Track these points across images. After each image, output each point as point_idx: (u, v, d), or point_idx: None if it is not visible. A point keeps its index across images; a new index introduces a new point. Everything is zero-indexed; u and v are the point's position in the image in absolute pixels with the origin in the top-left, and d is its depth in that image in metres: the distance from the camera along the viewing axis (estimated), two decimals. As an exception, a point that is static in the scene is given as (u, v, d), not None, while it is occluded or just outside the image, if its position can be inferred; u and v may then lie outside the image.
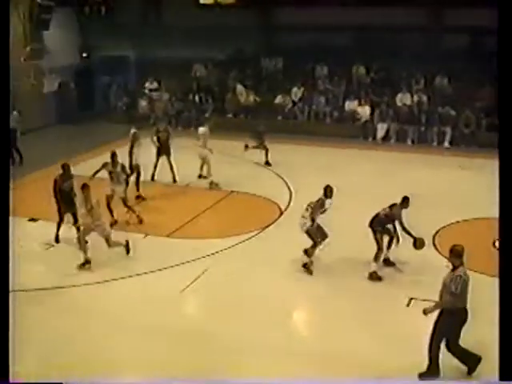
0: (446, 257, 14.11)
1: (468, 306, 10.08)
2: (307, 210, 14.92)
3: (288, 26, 32.87)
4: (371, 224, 14.67)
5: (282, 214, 18.71)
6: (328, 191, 14.76)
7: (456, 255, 10.08)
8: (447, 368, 10.60)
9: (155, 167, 21.45)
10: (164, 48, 33.21)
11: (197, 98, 32.28)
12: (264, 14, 34.80)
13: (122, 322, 12.61)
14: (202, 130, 21.54)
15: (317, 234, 14.77)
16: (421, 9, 31.03)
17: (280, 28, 34.34)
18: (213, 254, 15.67)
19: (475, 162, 22.40)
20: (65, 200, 16.37)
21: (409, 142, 27.85)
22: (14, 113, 24.42)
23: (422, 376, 10.54)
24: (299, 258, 15.21)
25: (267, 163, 23.40)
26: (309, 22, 31.34)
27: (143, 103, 32.51)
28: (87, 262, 15.02)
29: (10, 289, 12.82)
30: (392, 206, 14.58)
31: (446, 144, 27.11)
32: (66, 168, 16.61)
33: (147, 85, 33.57)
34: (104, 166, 17.55)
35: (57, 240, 16.57)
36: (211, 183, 21.12)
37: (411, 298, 13.09)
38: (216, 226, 17.73)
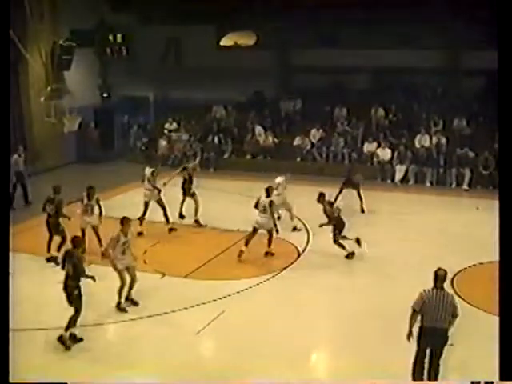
0: (464, 300, 14.09)
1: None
2: (264, 210, 17.95)
3: (307, 68, 33.09)
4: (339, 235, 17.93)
5: (299, 255, 18.64)
6: (270, 190, 18.38)
7: (436, 278, 11.03)
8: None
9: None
10: (184, 89, 33.54)
11: (216, 139, 32.39)
12: (283, 55, 35.16)
13: (138, 362, 12.53)
14: (278, 179, 21.28)
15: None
16: (439, 51, 31.21)
17: (299, 70, 34.59)
18: (230, 295, 15.60)
19: (494, 203, 22.14)
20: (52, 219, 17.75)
21: (427, 184, 27.77)
22: (23, 156, 24.56)
23: None
24: (317, 299, 15.19)
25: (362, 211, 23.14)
26: (327, 63, 31.61)
27: (163, 143, 32.65)
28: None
29: (23, 328, 12.94)
30: (331, 204, 18.51)
31: (465, 186, 26.97)
32: (56, 190, 18.06)
33: (167, 125, 33.78)
34: (81, 200, 18.36)
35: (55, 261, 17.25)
36: (294, 228, 21.05)
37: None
38: (234, 267, 17.64)
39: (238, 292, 15.81)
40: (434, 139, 28.90)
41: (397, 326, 13.57)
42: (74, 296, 13.06)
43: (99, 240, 18.24)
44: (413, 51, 30.41)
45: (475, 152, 27.42)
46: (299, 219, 21.48)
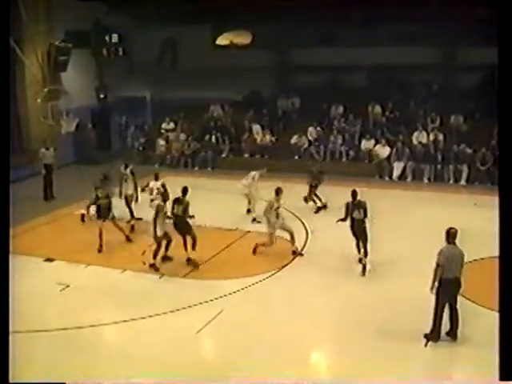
0: (463, 295, 14.09)
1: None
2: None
3: (303, 66, 33.18)
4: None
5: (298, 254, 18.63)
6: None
7: (449, 235, 12.94)
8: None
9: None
10: (181, 89, 33.50)
11: (213, 138, 32.40)
12: (279, 54, 35.16)
13: (137, 363, 12.51)
14: (252, 172, 22.45)
15: None
16: (435, 48, 31.23)
17: (295, 68, 34.67)
18: (228, 294, 15.59)
19: (492, 199, 22.08)
20: None
21: (425, 181, 27.81)
22: (51, 149, 25.84)
23: (426, 336, 12.92)
24: (316, 298, 15.21)
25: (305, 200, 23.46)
26: (324, 61, 31.63)
27: (162, 142, 32.66)
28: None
29: (23, 329, 12.94)
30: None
31: (463, 182, 27.03)
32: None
33: (164, 125, 33.80)
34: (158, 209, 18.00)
35: None
36: (254, 219, 21.81)
37: (427, 340, 12.98)
38: (232, 266, 17.63)
39: (236, 291, 15.81)
40: (432, 136, 28.93)
41: (396, 324, 13.65)
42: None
43: (131, 212, 20.34)
44: (409, 48, 30.41)
45: (472, 148, 27.43)
46: (298, 217, 21.48)
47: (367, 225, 17.07)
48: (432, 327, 12.83)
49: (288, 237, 18.38)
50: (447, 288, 12.67)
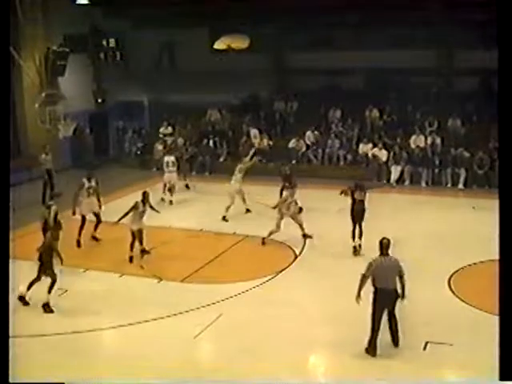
0: (461, 299, 14.09)
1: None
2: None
3: (301, 70, 33.17)
4: None
5: (296, 258, 18.62)
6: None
7: (382, 246, 12.80)
8: None
9: None
10: (178, 93, 33.51)
11: (211, 142, 32.40)
12: (277, 58, 35.14)
13: (135, 367, 12.46)
14: (238, 167, 23.20)
15: None
16: (432, 51, 31.26)
17: (293, 72, 34.63)
18: (227, 298, 15.56)
19: (489, 202, 22.19)
20: None
21: (423, 184, 27.81)
22: (50, 154, 26.56)
23: (367, 350, 12.66)
24: (314, 302, 15.18)
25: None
26: (321, 65, 31.63)
27: (160, 147, 32.59)
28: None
29: (21, 334, 12.92)
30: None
31: (461, 186, 27.01)
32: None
33: (162, 130, 33.72)
34: (135, 206, 18.37)
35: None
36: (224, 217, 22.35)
37: (427, 342, 12.96)
38: (231, 270, 17.62)
39: (235, 295, 15.79)
40: (429, 139, 28.95)
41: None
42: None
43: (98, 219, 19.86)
44: (406, 52, 30.41)
45: (470, 152, 27.44)
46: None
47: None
48: (369, 338, 12.72)
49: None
50: (381, 298, 12.57)
